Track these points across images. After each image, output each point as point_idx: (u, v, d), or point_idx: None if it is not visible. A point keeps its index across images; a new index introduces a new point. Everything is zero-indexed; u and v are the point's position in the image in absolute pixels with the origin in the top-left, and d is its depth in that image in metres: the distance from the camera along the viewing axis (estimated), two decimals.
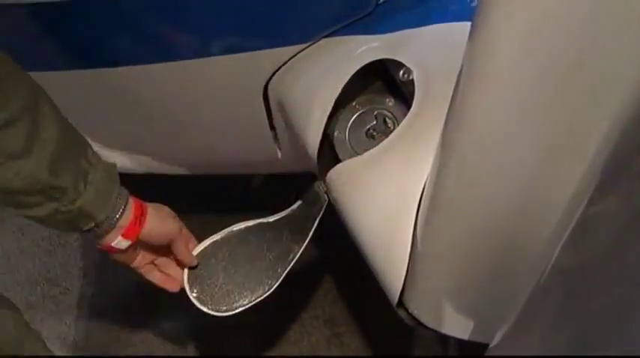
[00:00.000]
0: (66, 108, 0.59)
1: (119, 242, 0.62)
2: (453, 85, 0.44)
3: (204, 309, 0.71)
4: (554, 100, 0.36)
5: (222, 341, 1.15)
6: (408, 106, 0.65)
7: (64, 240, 1.33)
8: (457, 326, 0.59)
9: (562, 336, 0.39)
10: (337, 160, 0.69)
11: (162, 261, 0.72)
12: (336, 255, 1.23)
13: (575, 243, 0.35)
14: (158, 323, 1.18)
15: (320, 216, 0.73)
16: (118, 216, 0.61)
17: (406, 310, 0.63)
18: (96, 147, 0.65)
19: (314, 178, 0.75)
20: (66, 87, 0.76)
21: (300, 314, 1.17)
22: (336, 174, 0.68)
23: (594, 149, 0.34)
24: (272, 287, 0.72)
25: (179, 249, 0.69)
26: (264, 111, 0.77)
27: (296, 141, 0.76)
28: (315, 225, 0.73)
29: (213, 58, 0.70)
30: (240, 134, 0.83)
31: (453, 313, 0.57)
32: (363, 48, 0.68)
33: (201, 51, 0.70)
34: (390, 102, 0.70)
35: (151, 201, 0.68)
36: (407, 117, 0.64)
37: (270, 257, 0.73)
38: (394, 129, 0.67)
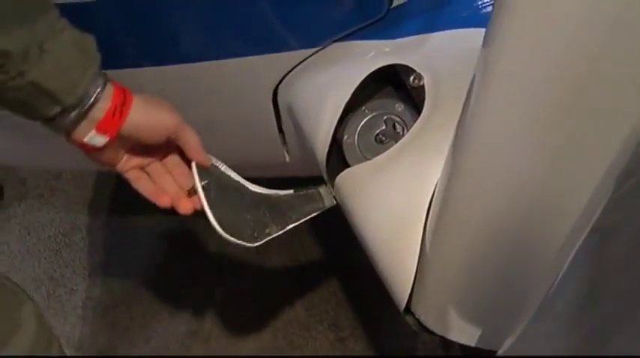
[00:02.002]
0: None
1: (93, 137, 0.51)
2: (464, 92, 0.44)
3: (207, 209, 0.60)
4: (568, 109, 0.36)
5: (226, 343, 1.15)
6: (418, 112, 0.65)
7: (69, 239, 1.34)
8: (465, 333, 0.58)
9: (572, 338, 0.39)
10: (346, 165, 0.69)
11: (154, 168, 0.60)
12: (341, 259, 1.23)
13: (590, 249, 0.35)
14: (162, 323, 1.18)
15: (309, 217, 0.69)
16: (91, 103, 0.49)
17: (413, 316, 0.63)
18: None
19: (322, 182, 0.75)
20: None
21: (305, 318, 1.17)
22: (345, 179, 0.67)
23: (609, 159, 0.34)
24: (250, 243, 0.64)
25: (187, 142, 0.58)
26: (273, 114, 0.77)
27: (304, 145, 0.76)
28: (299, 222, 0.68)
29: (223, 61, 0.70)
30: (249, 137, 0.83)
31: (461, 320, 0.56)
32: (374, 53, 0.69)
33: (212, 54, 0.70)
34: (400, 107, 0.70)
35: None
36: (417, 122, 0.64)
37: (248, 217, 0.65)
38: (403, 134, 0.67)
